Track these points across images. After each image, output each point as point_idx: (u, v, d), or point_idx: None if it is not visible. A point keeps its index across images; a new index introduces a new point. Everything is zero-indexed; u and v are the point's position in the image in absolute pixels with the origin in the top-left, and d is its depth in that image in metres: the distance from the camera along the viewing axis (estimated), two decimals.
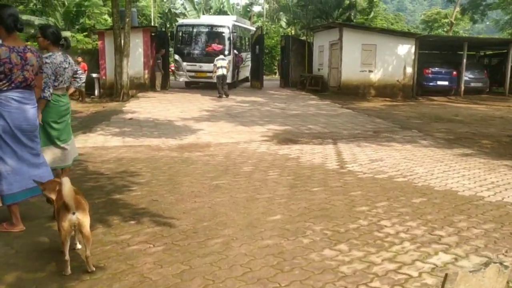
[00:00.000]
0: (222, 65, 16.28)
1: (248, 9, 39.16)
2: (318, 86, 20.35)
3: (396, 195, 4.70)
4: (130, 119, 11.05)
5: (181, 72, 19.31)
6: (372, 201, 4.46)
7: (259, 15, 44.17)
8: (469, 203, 4.45)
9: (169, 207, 4.24)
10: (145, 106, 13.69)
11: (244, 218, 3.93)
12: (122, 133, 9.02)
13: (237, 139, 8.48)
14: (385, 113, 13.47)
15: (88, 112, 13.27)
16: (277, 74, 32.74)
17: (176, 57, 19.32)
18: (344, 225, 3.77)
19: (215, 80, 16.95)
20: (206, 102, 15.27)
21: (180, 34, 19.55)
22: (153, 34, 20.61)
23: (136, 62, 18.06)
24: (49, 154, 4.22)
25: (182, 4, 38.16)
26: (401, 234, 3.59)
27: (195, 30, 19.52)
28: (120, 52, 16.16)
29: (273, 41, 33.96)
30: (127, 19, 16.14)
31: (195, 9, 37.56)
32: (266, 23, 36.63)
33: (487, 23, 55.43)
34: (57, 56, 4.23)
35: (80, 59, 16.84)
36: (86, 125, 10.28)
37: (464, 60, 20.17)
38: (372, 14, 32.39)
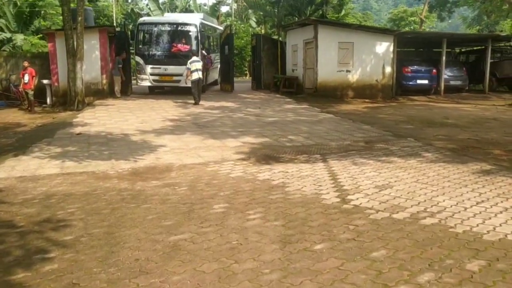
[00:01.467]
0: (197, 68, 14.53)
1: (216, 9, 37.52)
2: (293, 88, 18.99)
3: (438, 255, 3.25)
4: (78, 134, 9.33)
5: (144, 76, 17.45)
6: (408, 271, 2.99)
7: (228, 14, 42.62)
8: None
9: None
10: (100, 117, 11.95)
11: None
12: (63, 154, 7.33)
13: (206, 158, 6.95)
14: (369, 117, 12.19)
15: (33, 125, 11.44)
16: (248, 75, 31.32)
17: (138, 59, 17.46)
18: None
19: (187, 85, 15.28)
20: (171, 109, 13.63)
21: (142, 34, 17.68)
22: (111, 35, 18.86)
23: (92, 66, 16.23)
24: None
25: (147, 5, 36.20)
26: None
27: (158, 28, 17.66)
28: (73, 55, 14.34)
29: (242, 41, 32.48)
30: (79, 18, 14.32)
31: (160, 8, 35.70)
32: (235, 22, 35.10)
33: (449, 21, 55.73)
34: None
35: (26, 63, 14.89)
36: (24, 143, 8.52)
37: (444, 58, 19.25)
38: (343, 12, 31.39)
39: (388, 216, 4.10)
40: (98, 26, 18.48)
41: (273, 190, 5.10)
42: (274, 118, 11.72)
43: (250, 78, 25.24)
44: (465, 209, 4.29)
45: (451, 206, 4.38)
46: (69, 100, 14.62)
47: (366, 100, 17.26)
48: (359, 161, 6.62)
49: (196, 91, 14.61)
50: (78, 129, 9.84)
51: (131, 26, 20.68)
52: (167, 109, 13.58)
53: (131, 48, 18.97)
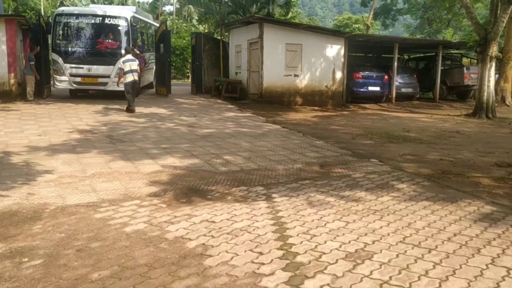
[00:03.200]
0: (132, 69, 12.06)
1: (156, 5, 34.89)
2: (236, 93, 17.13)
3: None
4: None
5: (62, 77, 14.73)
6: None
7: (170, 13, 40.15)
8: None
9: None
10: None
11: None
12: None
13: (101, 195, 4.87)
14: (321, 130, 10.54)
15: None
16: (190, 78, 29.19)
17: (54, 56, 14.74)
18: None
19: (119, 88, 12.86)
20: (88, 117, 11.30)
21: (60, 26, 15.02)
22: (26, 27, 16.10)
23: None
24: None
25: None
26: None
27: (80, 21, 15.01)
28: None
29: (184, 41, 30.28)
30: None
31: (94, 2, 32.66)
32: (177, 21, 32.75)
33: (390, 30, 56.59)
34: None
35: None
36: None
37: (396, 64, 18.17)
38: (290, 15, 30.10)
39: None
40: (4, 15, 15.62)
41: (185, 263, 3.14)
42: (210, 130, 9.75)
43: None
44: None
45: None
46: None
47: (316, 108, 15.75)
48: (315, 199, 4.80)
49: (131, 96, 12.23)
50: None
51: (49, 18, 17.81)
52: (82, 117, 11.24)
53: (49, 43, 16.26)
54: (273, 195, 4.97)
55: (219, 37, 20.40)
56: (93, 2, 32.29)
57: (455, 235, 3.77)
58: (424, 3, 41.51)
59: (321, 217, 4.18)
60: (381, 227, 3.93)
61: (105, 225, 3.94)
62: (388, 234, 3.75)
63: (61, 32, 15.18)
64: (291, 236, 3.68)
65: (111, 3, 33.73)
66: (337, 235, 3.72)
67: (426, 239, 3.64)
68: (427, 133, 10.51)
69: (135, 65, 12.23)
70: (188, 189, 5.15)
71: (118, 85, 12.94)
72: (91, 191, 5.00)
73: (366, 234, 3.74)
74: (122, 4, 32.90)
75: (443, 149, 8.28)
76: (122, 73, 12.13)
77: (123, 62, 12.15)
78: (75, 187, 5.16)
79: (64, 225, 3.95)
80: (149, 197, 4.82)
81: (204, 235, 3.70)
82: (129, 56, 12.35)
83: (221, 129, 9.97)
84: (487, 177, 6.03)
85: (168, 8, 45.75)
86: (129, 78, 12.08)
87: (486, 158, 7.48)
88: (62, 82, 14.81)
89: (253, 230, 3.82)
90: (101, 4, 31.52)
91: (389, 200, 4.83)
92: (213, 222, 4.03)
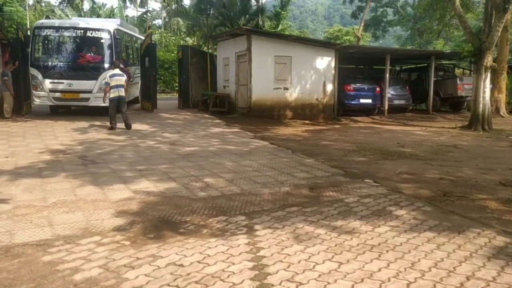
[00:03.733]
0: (119, 84, 11.46)
1: (144, 19, 34.39)
2: (224, 107, 16.58)
3: None
4: None
5: (41, 93, 13.99)
6: None
7: (159, 26, 39.72)
8: None
9: None
10: None
11: None
12: None
13: (57, 230, 4.23)
14: (312, 145, 9.97)
15: None
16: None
17: (33, 71, 14.01)
18: None
19: (103, 104, 12.23)
20: (64, 135, 10.64)
21: (39, 40, 14.36)
22: (4, 41, 15.50)
23: None
24: None
25: (63, 10, 32.40)
26: None
27: (61, 34, 14.32)
28: None
29: (173, 54, 29.74)
30: None
31: (82, 17, 32.15)
32: (165, 34, 32.24)
33: (380, 42, 56.68)
34: None
35: None
36: None
37: (387, 75, 17.75)
38: (280, 27, 29.77)
39: None
40: None
41: None
42: (193, 148, 9.13)
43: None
44: None
45: None
46: None
47: (306, 122, 15.22)
48: (303, 232, 4.19)
49: (113, 112, 11.61)
50: None
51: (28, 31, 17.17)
52: (59, 135, 10.58)
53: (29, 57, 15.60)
54: (255, 226, 4.36)
55: (207, 50, 19.90)
56: (80, 17, 31.80)
57: (468, 279, 3.17)
58: (414, 14, 41.55)
59: (309, 257, 3.56)
60: (379, 269, 3.32)
61: (51, 272, 3.30)
62: (389, 279, 3.15)
63: (40, 45, 14.55)
64: (272, 286, 3.05)
65: (98, 17, 33.23)
66: (328, 282, 3.10)
67: (435, 286, 3.04)
68: (423, 147, 9.98)
69: (122, 80, 11.65)
70: (159, 221, 4.52)
71: (104, 101, 12.30)
72: (46, 225, 4.36)
73: (362, 280, 3.13)
74: (110, 18, 32.41)
75: (441, 166, 7.73)
76: (108, 87, 11.54)
77: (110, 76, 11.57)
78: (29, 220, 4.51)
79: (2, 272, 3.31)
80: (112, 232, 4.19)
81: (168, 285, 3.07)
82: (117, 71, 11.76)
83: (205, 146, 9.36)
84: (494, 199, 5.47)
85: (157, 22, 45.36)
86: (115, 93, 11.47)
87: (488, 176, 6.94)
88: (41, 98, 14.08)
89: (228, 276, 3.20)
90: (88, 18, 30.99)
91: (388, 231, 4.24)
92: (181, 266, 3.40)
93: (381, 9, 45.33)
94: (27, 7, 32.70)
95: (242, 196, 5.52)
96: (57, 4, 40.96)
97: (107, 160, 7.67)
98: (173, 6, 34.03)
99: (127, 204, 5.12)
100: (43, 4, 40.30)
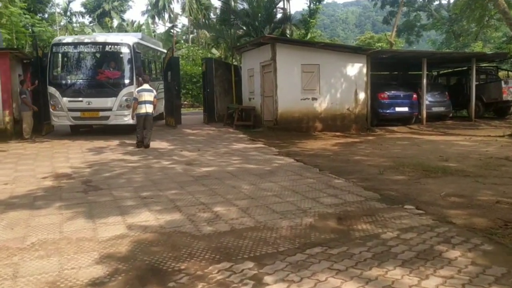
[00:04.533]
0: (147, 99, 10.88)
1: (171, 33, 34.29)
2: (250, 121, 15.74)
3: None
4: None
5: (60, 113, 13.53)
6: None
7: (186, 40, 39.61)
8: None
9: None
10: None
11: None
12: None
13: (20, 283, 3.42)
14: (342, 162, 8.93)
15: None
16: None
17: (51, 90, 13.58)
18: None
19: (131, 122, 11.64)
20: (78, 156, 10.04)
21: (57, 57, 13.97)
22: (27, 61, 15.29)
23: None
24: None
25: (94, 30, 32.66)
26: None
27: (79, 50, 13.87)
28: None
29: (200, 68, 29.33)
30: None
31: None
32: (192, 48, 31.92)
33: (415, 47, 54.63)
34: None
35: None
36: None
37: (425, 81, 16.46)
38: (309, 36, 28.85)
39: None
40: None
41: None
42: (210, 168, 8.27)
43: None
44: None
45: None
46: None
47: (337, 134, 14.17)
48: None
49: (141, 130, 11.02)
50: None
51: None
52: (71, 156, 9.99)
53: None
54: (265, 278, 3.41)
55: (231, 62, 19.19)
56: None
57: None
58: (449, 17, 39.68)
59: None
60: None
61: None
62: None
63: (59, 63, 14.19)
64: None
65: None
66: None
67: None
68: (470, 161, 8.75)
69: (151, 95, 11.06)
70: (146, 270, 3.65)
71: (132, 118, 11.74)
72: (9, 277, 3.56)
73: None
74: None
75: (495, 185, 6.55)
76: (136, 103, 10.96)
77: (138, 91, 11.04)
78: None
79: None
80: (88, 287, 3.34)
81: None
82: (146, 86, 11.17)
83: (223, 166, 8.49)
84: None
85: (186, 37, 45.36)
86: (142, 109, 10.89)
87: None
88: (60, 118, 13.64)
89: None
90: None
91: (439, 285, 3.19)
92: None
93: (414, 13, 43.61)
94: (57, 26, 33.12)
95: (255, 231, 4.58)
96: (88, 23, 41.66)
97: (112, 185, 6.91)
98: (200, 20, 33.83)
99: (116, 244, 4.28)
100: (74, 24, 40.98)
